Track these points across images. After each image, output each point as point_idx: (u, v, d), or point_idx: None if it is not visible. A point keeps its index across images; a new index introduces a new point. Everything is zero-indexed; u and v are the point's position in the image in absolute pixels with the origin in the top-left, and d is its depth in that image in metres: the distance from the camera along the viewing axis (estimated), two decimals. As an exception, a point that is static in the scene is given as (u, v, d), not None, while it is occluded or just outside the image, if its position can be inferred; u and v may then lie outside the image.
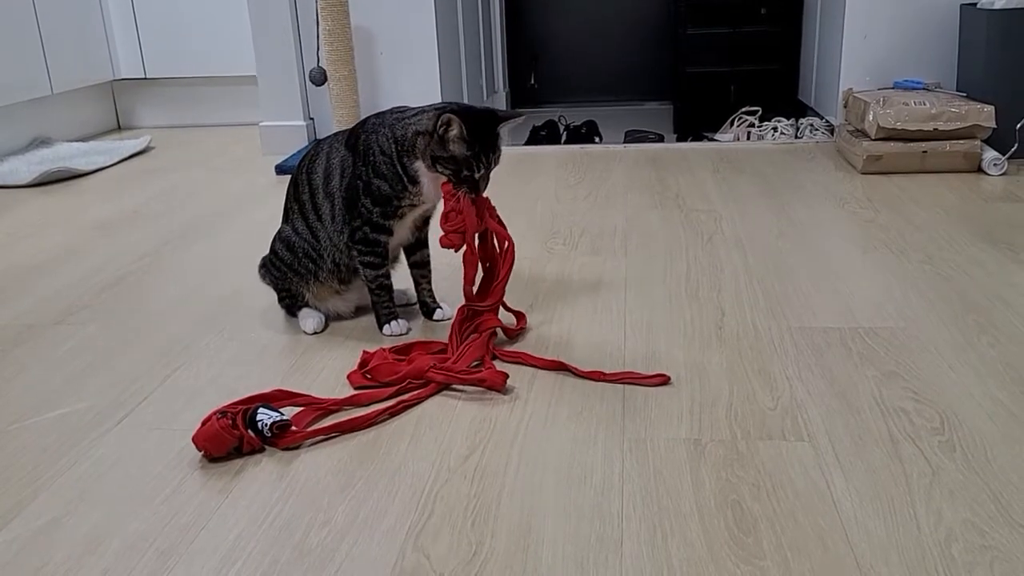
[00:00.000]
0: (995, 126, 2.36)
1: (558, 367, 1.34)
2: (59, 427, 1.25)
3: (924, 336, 1.42)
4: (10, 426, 1.26)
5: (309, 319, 1.53)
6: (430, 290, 1.57)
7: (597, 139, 3.34)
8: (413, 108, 1.43)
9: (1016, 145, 2.37)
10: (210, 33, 3.51)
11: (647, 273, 1.74)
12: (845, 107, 2.71)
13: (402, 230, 1.50)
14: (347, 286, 1.54)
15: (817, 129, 2.99)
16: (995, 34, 2.42)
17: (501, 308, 1.46)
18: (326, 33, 2.75)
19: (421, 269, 1.57)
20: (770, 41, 3.44)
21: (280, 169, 2.75)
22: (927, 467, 1.06)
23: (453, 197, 1.38)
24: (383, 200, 1.43)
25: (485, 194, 1.42)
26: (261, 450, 1.16)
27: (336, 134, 1.53)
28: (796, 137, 3.00)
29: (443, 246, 1.41)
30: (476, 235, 1.41)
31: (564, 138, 3.37)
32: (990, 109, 2.36)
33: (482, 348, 1.38)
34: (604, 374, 1.31)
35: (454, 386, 1.31)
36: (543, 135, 3.37)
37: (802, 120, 3.07)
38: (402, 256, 1.57)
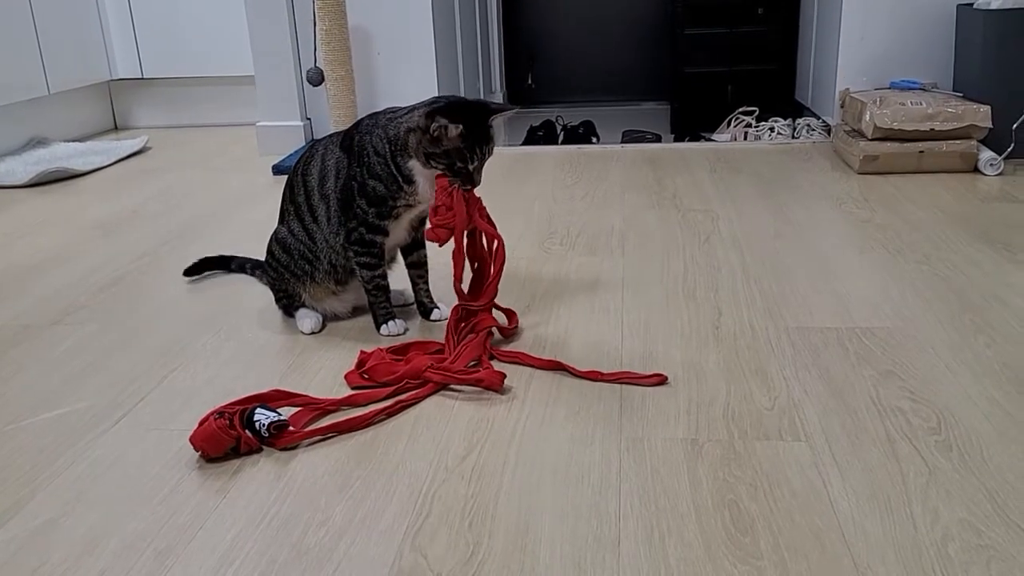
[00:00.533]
0: (991, 126, 2.36)
1: (555, 367, 1.35)
2: (57, 427, 1.25)
3: (921, 336, 1.42)
4: (7, 426, 1.26)
5: (306, 319, 1.53)
6: (427, 290, 1.57)
7: (594, 139, 3.34)
8: (406, 107, 1.44)
9: (1012, 145, 2.37)
10: (207, 33, 3.51)
11: (644, 273, 1.74)
12: (842, 107, 2.72)
13: (398, 230, 1.50)
14: (344, 287, 1.54)
15: (814, 129, 3.00)
16: (991, 34, 2.42)
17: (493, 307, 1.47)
18: (323, 33, 2.74)
19: (418, 269, 1.57)
20: (767, 41, 3.44)
21: (277, 169, 2.75)
22: (924, 466, 1.06)
23: (446, 192, 1.38)
24: (378, 200, 1.43)
25: (477, 193, 1.42)
26: (259, 450, 1.16)
27: (331, 136, 1.53)
28: (793, 137, 3.00)
29: (428, 239, 1.41)
30: (464, 233, 1.41)
31: (561, 138, 3.37)
32: (986, 109, 2.36)
33: (479, 348, 1.38)
34: (601, 374, 1.32)
35: (451, 386, 1.31)
36: (540, 135, 3.37)
37: (799, 120, 3.07)
38: (399, 257, 1.57)
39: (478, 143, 1.37)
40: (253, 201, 2.45)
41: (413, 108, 1.41)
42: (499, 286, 1.44)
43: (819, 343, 1.41)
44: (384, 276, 1.51)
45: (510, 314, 1.51)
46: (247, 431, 1.15)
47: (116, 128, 3.77)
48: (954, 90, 2.62)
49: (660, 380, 1.29)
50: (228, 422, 1.15)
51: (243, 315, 1.63)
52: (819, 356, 1.36)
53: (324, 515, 1.02)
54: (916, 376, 1.29)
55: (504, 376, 1.30)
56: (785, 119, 3.10)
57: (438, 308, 1.56)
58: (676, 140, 3.31)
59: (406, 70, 2.96)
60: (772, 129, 3.06)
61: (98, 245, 2.10)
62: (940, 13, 2.69)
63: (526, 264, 1.83)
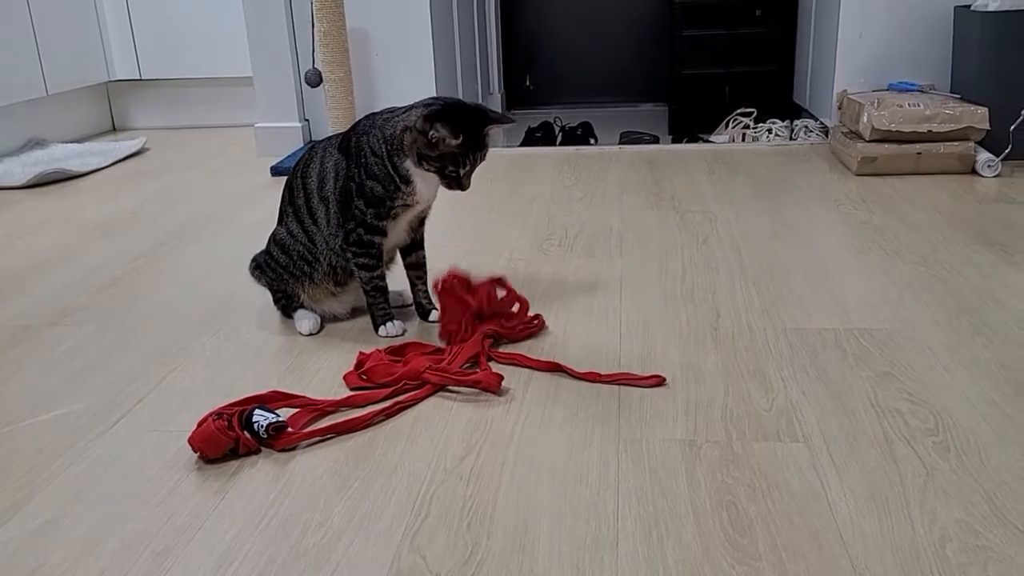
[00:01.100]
0: (989, 128, 2.37)
1: (554, 368, 1.35)
2: (55, 428, 1.25)
3: (918, 337, 1.42)
4: (6, 427, 1.26)
5: (305, 320, 1.53)
6: (426, 291, 1.57)
7: (593, 140, 3.34)
8: (403, 107, 1.44)
9: (1010, 147, 2.38)
10: (205, 35, 3.51)
11: (642, 274, 1.75)
12: (839, 109, 2.72)
13: (397, 231, 1.50)
14: (343, 288, 1.54)
15: (812, 131, 3.00)
16: (989, 36, 2.43)
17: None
18: (321, 35, 2.75)
19: (416, 271, 1.57)
20: (765, 43, 3.44)
21: (276, 170, 2.75)
22: (921, 468, 1.06)
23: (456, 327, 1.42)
24: (376, 201, 1.43)
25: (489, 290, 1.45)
26: (257, 451, 1.16)
27: (330, 137, 1.53)
28: (791, 139, 3.00)
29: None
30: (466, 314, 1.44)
31: (560, 139, 3.37)
32: (984, 111, 2.36)
33: (475, 348, 1.38)
34: (600, 375, 1.32)
35: (450, 387, 1.31)
36: (539, 136, 3.37)
37: (797, 122, 3.08)
38: (398, 258, 1.57)
39: (472, 150, 1.38)
40: (251, 202, 2.45)
41: (411, 108, 1.41)
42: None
43: (817, 344, 1.41)
44: (382, 277, 1.51)
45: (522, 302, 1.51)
46: (246, 432, 1.15)
47: (114, 129, 3.76)
48: (952, 92, 2.62)
49: (658, 381, 1.30)
50: (227, 423, 1.15)
51: (242, 316, 1.63)
52: (817, 357, 1.37)
53: (323, 516, 1.02)
54: (914, 377, 1.29)
55: (502, 378, 1.30)
56: (783, 120, 3.10)
57: (436, 309, 1.56)
58: (674, 141, 3.31)
59: (404, 71, 2.96)
60: (770, 131, 3.06)
61: (96, 246, 2.10)
62: (938, 14, 2.70)
63: (524, 265, 1.83)
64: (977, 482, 1.03)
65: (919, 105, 2.41)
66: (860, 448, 1.11)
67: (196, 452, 1.15)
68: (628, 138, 3.27)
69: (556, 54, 4.25)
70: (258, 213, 2.32)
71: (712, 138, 3.21)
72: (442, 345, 1.44)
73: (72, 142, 3.35)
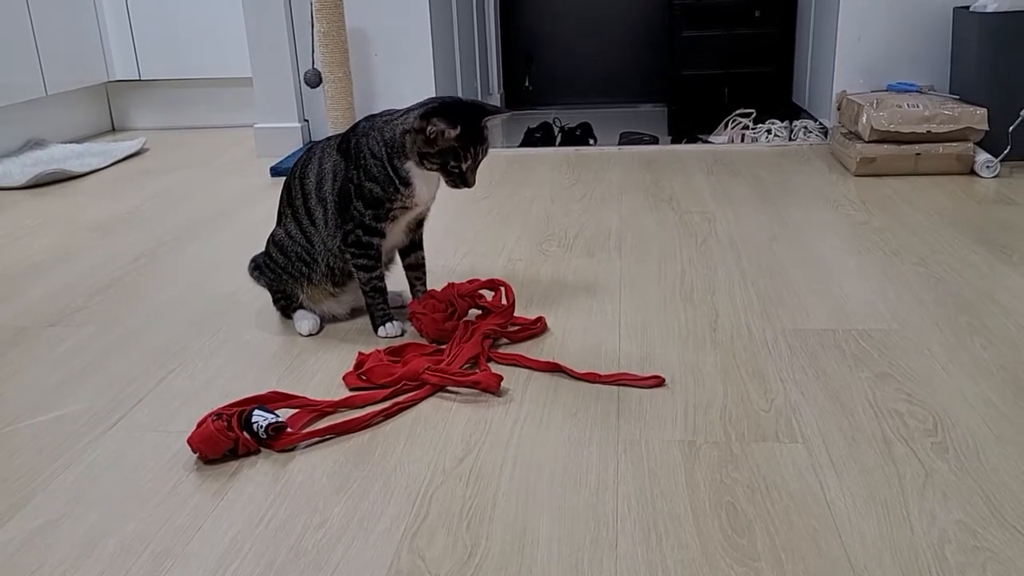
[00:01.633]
0: (988, 128, 2.37)
1: (553, 368, 1.35)
2: (54, 429, 1.25)
3: (917, 338, 1.42)
4: (5, 428, 1.26)
5: (304, 321, 1.53)
6: (425, 292, 1.57)
7: (592, 141, 3.34)
8: (402, 109, 1.44)
9: (1009, 147, 2.38)
10: (204, 35, 3.51)
11: (641, 275, 1.75)
12: (839, 109, 2.72)
13: (395, 233, 1.50)
14: (342, 288, 1.54)
15: (811, 131, 3.00)
16: (988, 37, 2.43)
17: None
18: (321, 35, 2.75)
19: (416, 271, 1.57)
20: (764, 44, 3.45)
21: (275, 171, 2.75)
22: (920, 468, 1.06)
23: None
24: (375, 203, 1.44)
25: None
26: (256, 452, 1.16)
27: (329, 138, 1.53)
28: (790, 139, 3.01)
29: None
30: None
31: (559, 140, 3.37)
32: (983, 112, 2.37)
33: (475, 348, 1.38)
34: (599, 375, 1.32)
35: (449, 388, 1.31)
36: (538, 137, 3.37)
37: (796, 122, 3.08)
38: (397, 258, 1.57)
39: (472, 143, 1.38)
40: (251, 203, 2.45)
41: (409, 110, 1.42)
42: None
43: (816, 345, 1.41)
44: (381, 278, 1.51)
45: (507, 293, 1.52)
46: (245, 433, 1.15)
47: (113, 130, 3.76)
48: (951, 92, 2.63)
49: (658, 382, 1.30)
50: (226, 424, 1.15)
51: (241, 316, 1.63)
52: (816, 358, 1.37)
53: (322, 516, 1.02)
54: (913, 378, 1.29)
55: (501, 378, 1.30)
56: (782, 121, 3.10)
57: None
58: (673, 142, 3.31)
59: (404, 71, 2.96)
60: (769, 131, 3.07)
61: (96, 247, 2.10)
62: (937, 15, 2.70)
63: (523, 266, 1.83)
64: (976, 483, 1.03)
65: (918, 106, 2.41)
66: (859, 449, 1.11)
67: (195, 453, 1.15)
68: (627, 139, 3.27)
69: (555, 55, 4.25)
70: (257, 214, 2.32)
71: (711, 139, 3.21)
72: (423, 341, 1.44)
73: (71, 142, 3.35)
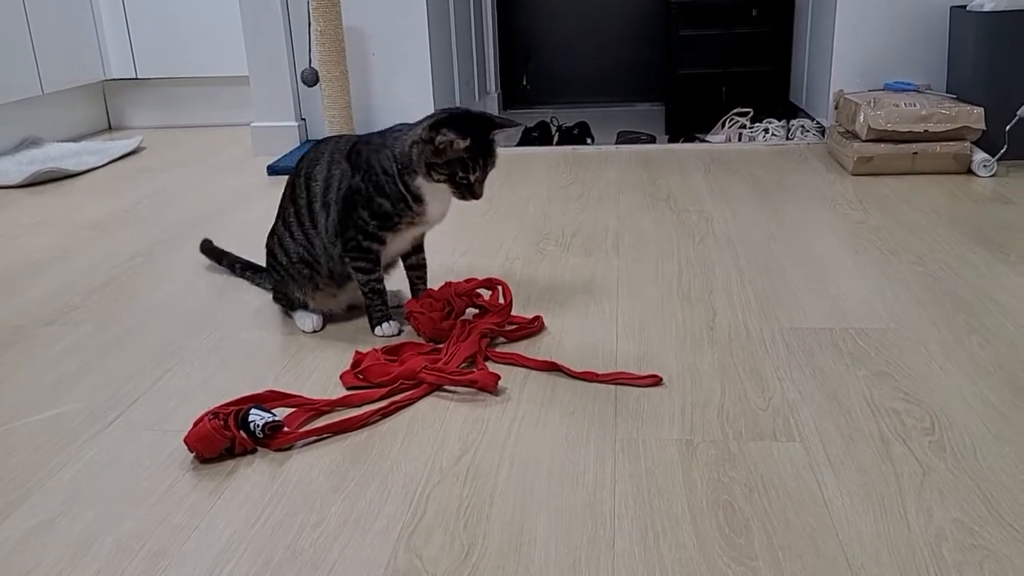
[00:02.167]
0: (985, 128, 2.37)
1: (551, 367, 1.35)
2: (51, 428, 1.25)
3: (914, 336, 1.42)
4: (1, 427, 1.26)
5: (307, 319, 1.53)
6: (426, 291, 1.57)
7: (589, 140, 3.34)
8: (412, 123, 1.44)
9: (1005, 147, 2.38)
10: (201, 33, 3.51)
11: (639, 274, 1.75)
12: (836, 109, 2.72)
13: (399, 242, 1.49)
14: (342, 289, 1.54)
15: (808, 130, 3.00)
16: (985, 36, 2.43)
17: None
18: (318, 34, 2.74)
19: (417, 271, 1.57)
20: (761, 43, 3.45)
21: (272, 170, 2.74)
22: (917, 467, 1.06)
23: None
24: (382, 216, 1.43)
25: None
26: (253, 451, 1.16)
27: (336, 140, 1.52)
28: (787, 138, 3.01)
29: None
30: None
31: (556, 139, 3.37)
32: (980, 111, 2.37)
33: (472, 347, 1.38)
34: (596, 374, 1.32)
35: (446, 387, 1.31)
36: (535, 136, 3.37)
37: (793, 121, 3.08)
38: (399, 260, 1.57)
39: (481, 155, 1.38)
40: (248, 202, 2.44)
41: (417, 123, 1.42)
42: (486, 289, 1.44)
43: (813, 344, 1.41)
44: (380, 280, 1.51)
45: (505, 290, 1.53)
46: (242, 432, 1.15)
47: (110, 128, 3.76)
48: (948, 92, 2.63)
49: (655, 381, 1.30)
50: (223, 423, 1.15)
51: (238, 315, 1.62)
52: (813, 357, 1.37)
53: (319, 516, 1.02)
54: (910, 377, 1.29)
55: (498, 377, 1.30)
56: (779, 120, 3.10)
57: None
58: (671, 141, 3.31)
59: (401, 70, 2.96)
60: (766, 130, 3.07)
61: (92, 245, 2.10)
62: (934, 15, 2.70)
63: (521, 265, 1.83)
64: (973, 481, 1.03)
65: (915, 105, 2.41)
66: (856, 447, 1.11)
67: (192, 452, 1.15)
68: (625, 138, 3.27)
69: (553, 53, 4.25)
70: (255, 212, 2.32)
71: (708, 138, 3.21)
72: (421, 340, 1.44)
73: (68, 141, 3.34)
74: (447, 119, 1.37)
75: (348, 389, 1.31)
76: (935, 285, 1.63)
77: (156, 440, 1.20)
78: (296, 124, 3.04)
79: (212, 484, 1.09)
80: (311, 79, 2.81)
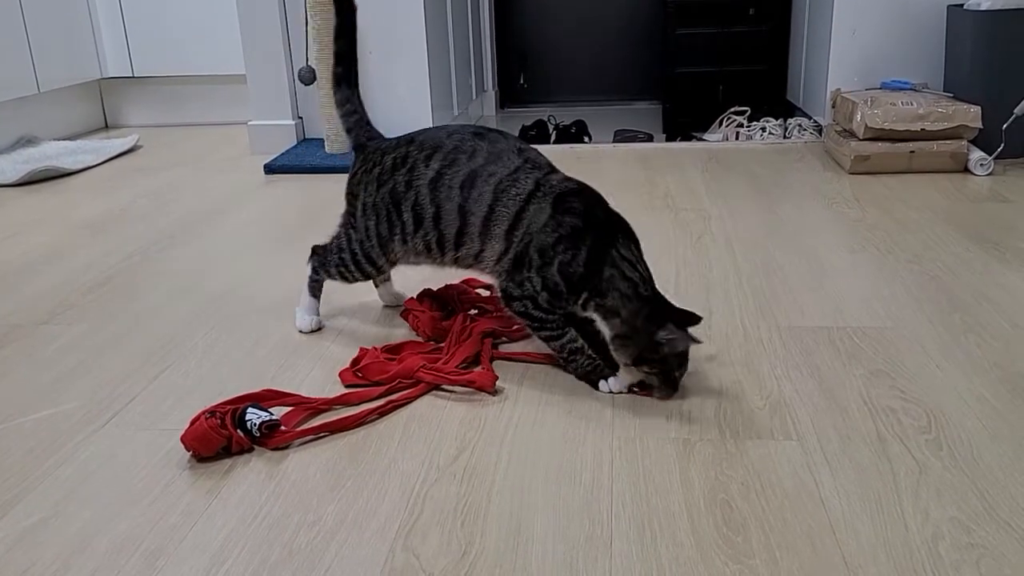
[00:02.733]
0: (981, 126, 2.37)
1: (554, 360, 1.34)
2: (46, 427, 1.24)
3: (911, 335, 1.42)
4: (-3, 426, 1.26)
5: (306, 319, 1.51)
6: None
7: (586, 139, 3.34)
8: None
9: (1002, 145, 2.38)
10: (198, 32, 3.50)
11: (636, 273, 1.74)
12: (833, 107, 2.72)
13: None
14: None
15: (805, 129, 3.00)
16: (981, 35, 2.43)
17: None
18: (315, 31, 2.74)
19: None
20: (758, 41, 3.45)
21: (269, 168, 2.74)
22: (914, 465, 1.07)
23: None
24: (556, 295, 1.26)
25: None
26: (250, 450, 1.16)
27: (533, 164, 1.32)
28: (784, 137, 3.01)
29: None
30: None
31: (553, 138, 3.37)
32: (977, 109, 2.37)
33: (473, 347, 1.37)
34: (596, 373, 1.31)
35: (444, 386, 1.31)
36: (532, 134, 3.37)
37: (790, 120, 3.08)
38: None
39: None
40: (245, 200, 2.44)
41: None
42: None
43: (810, 342, 1.41)
44: (575, 338, 1.29)
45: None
46: (239, 431, 1.15)
47: (106, 127, 3.75)
48: (945, 90, 2.63)
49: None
50: (219, 421, 1.15)
51: (234, 314, 1.62)
52: (810, 355, 1.37)
53: (316, 515, 1.02)
54: (907, 375, 1.29)
55: (496, 378, 1.30)
56: (776, 119, 3.10)
57: None
58: (668, 140, 3.31)
59: (398, 69, 2.95)
60: (764, 129, 3.07)
61: (88, 244, 2.09)
62: (931, 13, 2.70)
63: (518, 263, 1.83)
64: (970, 480, 1.03)
65: (912, 104, 2.42)
66: (853, 446, 1.11)
67: (189, 451, 1.14)
68: (622, 136, 3.27)
69: (550, 52, 4.25)
70: (251, 211, 2.32)
71: (706, 136, 3.21)
72: (421, 339, 1.44)
73: (64, 139, 3.33)
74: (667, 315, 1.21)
75: (346, 387, 1.31)
76: (932, 284, 1.63)
77: (152, 439, 1.20)
78: (293, 122, 3.03)
79: (209, 483, 1.09)
80: (308, 77, 2.80)
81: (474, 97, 3.75)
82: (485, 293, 1.55)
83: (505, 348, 1.41)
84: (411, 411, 1.25)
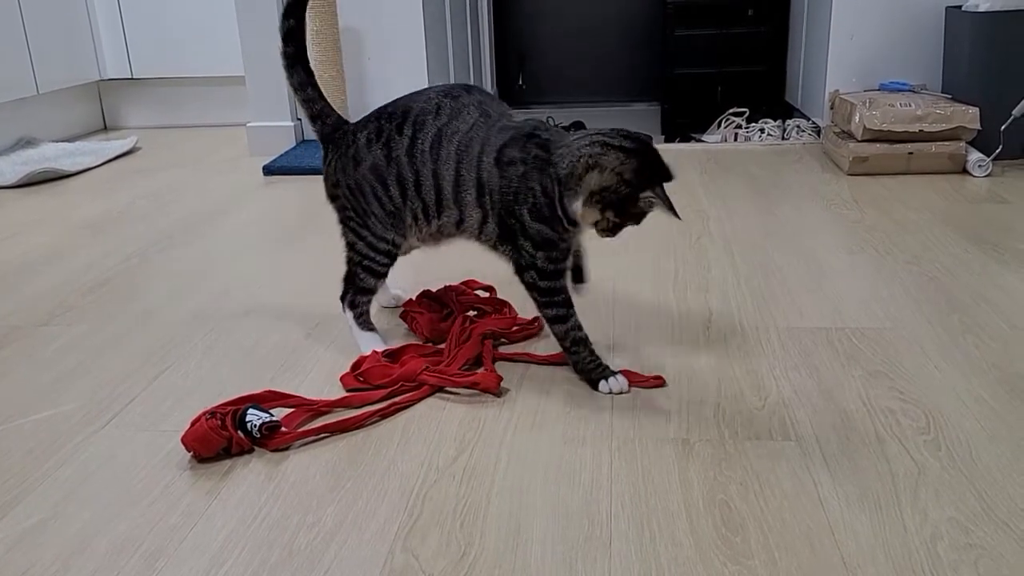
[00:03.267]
0: (980, 128, 2.38)
1: (561, 360, 1.34)
2: (46, 428, 1.25)
3: (910, 336, 1.43)
4: (-4, 428, 1.26)
5: (372, 340, 1.43)
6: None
7: (585, 140, 3.34)
8: (577, 135, 1.25)
9: (1001, 146, 2.39)
10: (197, 33, 3.50)
11: (635, 273, 1.75)
12: (831, 109, 2.73)
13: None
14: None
15: (804, 130, 3.01)
16: (980, 36, 2.44)
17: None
18: (314, 34, 2.74)
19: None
20: (757, 43, 3.45)
21: (268, 170, 2.74)
22: (913, 466, 1.07)
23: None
24: (547, 244, 1.26)
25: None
26: (250, 451, 1.16)
27: (485, 114, 1.30)
28: (783, 138, 3.01)
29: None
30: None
31: (552, 139, 3.37)
32: (975, 111, 2.37)
33: (474, 349, 1.37)
34: (594, 374, 1.31)
35: (445, 388, 1.31)
36: (531, 136, 3.37)
37: (789, 121, 3.08)
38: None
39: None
40: (244, 202, 2.44)
41: (591, 138, 1.23)
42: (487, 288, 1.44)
43: (809, 343, 1.41)
44: (579, 326, 1.30)
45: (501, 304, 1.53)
46: (239, 432, 1.15)
47: (105, 128, 3.75)
48: (943, 92, 2.63)
49: (660, 383, 1.29)
50: (220, 422, 1.15)
51: (234, 315, 1.62)
52: (809, 356, 1.37)
53: (315, 516, 1.02)
54: (905, 376, 1.29)
55: (500, 379, 1.30)
56: (775, 120, 3.11)
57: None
58: (666, 141, 3.32)
59: (397, 71, 2.96)
60: (762, 130, 3.07)
61: (87, 245, 2.09)
62: (929, 15, 2.71)
63: (517, 265, 1.83)
64: (968, 480, 1.03)
65: (910, 105, 2.42)
66: (852, 447, 1.11)
67: (189, 452, 1.14)
68: (621, 137, 3.26)
69: (548, 53, 4.25)
70: (251, 212, 2.32)
71: (704, 138, 3.21)
72: (419, 341, 1.44)
73: (63, 141, 3.33)
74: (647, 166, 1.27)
75: (347, 391, 1.31)
76: (930, 285, 1.64)
77: (152, 440, 1.20)
78: (292, 124, 3.03)
79: (208, 484, 1.09)
80: (307, 79, 2.80)
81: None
82: (484, 294, 1.55)
83: (504, 349, 1.42)
84: (410, 413, 1.25)
